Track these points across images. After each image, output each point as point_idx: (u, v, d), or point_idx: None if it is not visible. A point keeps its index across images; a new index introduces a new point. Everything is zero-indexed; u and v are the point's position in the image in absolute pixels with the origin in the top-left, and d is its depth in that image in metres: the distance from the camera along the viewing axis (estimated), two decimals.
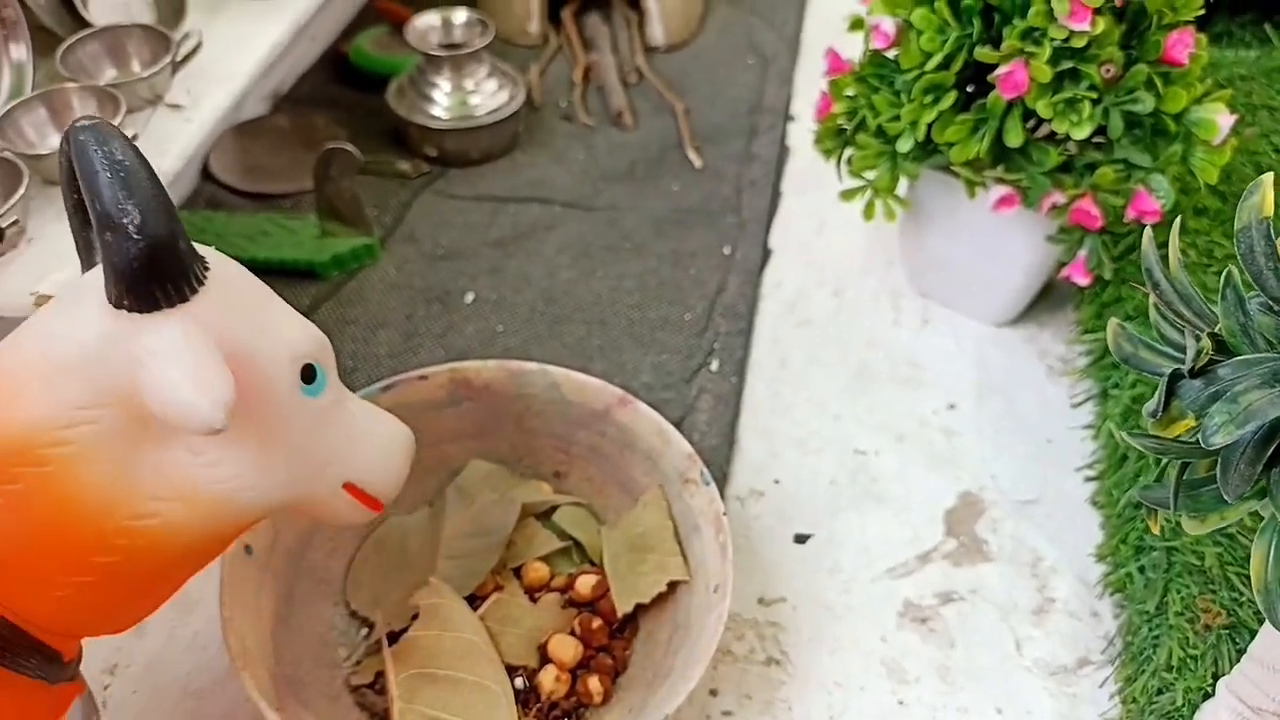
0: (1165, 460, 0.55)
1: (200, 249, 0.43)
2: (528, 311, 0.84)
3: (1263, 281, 0.41)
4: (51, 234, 0.64)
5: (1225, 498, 0.40)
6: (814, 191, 0.95)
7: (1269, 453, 0.39)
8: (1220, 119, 0.66)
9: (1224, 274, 0.41)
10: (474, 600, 0.62)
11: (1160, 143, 0.68)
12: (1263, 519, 0.42)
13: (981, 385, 0.79)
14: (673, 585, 0.62)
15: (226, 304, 0.42)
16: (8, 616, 0.41)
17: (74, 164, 0.39)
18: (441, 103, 0.94)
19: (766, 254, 0.90)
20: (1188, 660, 0.53)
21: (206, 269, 0.42)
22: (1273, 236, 0.41)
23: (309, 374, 0.46)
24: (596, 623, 0.61)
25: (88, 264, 0.44)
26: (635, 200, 0.94)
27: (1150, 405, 0.43)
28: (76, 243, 0.44)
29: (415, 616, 0.61)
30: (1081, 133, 0.64)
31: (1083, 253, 0.71)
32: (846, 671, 0.63)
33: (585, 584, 0.63)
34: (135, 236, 0.38)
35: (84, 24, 0.74)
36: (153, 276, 0.39)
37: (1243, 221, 0.42)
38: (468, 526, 0.65)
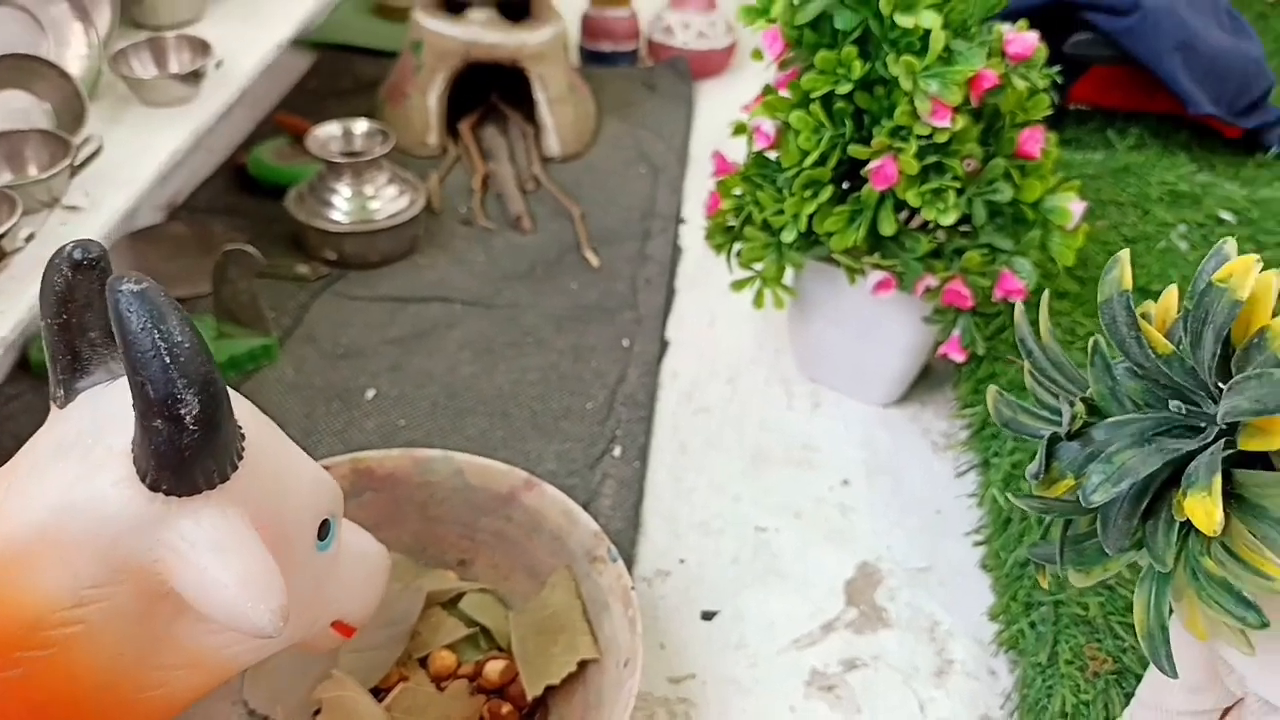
0: (1049, 520, 0.58)
1: (235, 406, 0.39)
2: (430, 406, 0.84)
3: (1127, 349, 0.43)
4: None
5: (1106, 550, 0.42)
6: (705, 287, 1.00)
7: (1143, 507, 0.42)
8: (1072, 206, 0.72)
9: (1091, 343, 0.44)
10: (378, 693, 0.61)
11: (1020, 229, 0.74)
12: (1141, 569, 0.44)
13: (871, 463, 0.83)
14: (583, 665, 0.62)
15: (260, 475, 0.39)
16: None
17: (118, 334, 0.35)
18: (341, 207, 0.96)
19: (664, 346, 0.93)
20: (1080, 707, 0.55)
21: (244, 440, 0.39)
22: (1132, 307, 0.43)
23: (323, 530, 0.45)
24: (506, 708, 0.61)
25: (65, 392, 0.40)
26: (535, 298, 0.96)
27: (1032, 468, 0.45)
28: (53, 368, 0.41)
29: (317, 712, 0.59)
30: (948, 219, 0.69)
31: (957, 332, 0.75)
32: None
33: (494, 669, 0.62)
34: (191, 428, 0.35)
35: None
36: (199, 464, 0.36)
37: (1105, 294, 0.44)
38: (372, 619, 0.64)
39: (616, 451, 0.82)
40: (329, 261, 0.97)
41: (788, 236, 0.74)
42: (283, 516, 0.41)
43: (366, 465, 0.67)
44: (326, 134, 0.98)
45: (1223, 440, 0.39)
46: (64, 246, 0.38)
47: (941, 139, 0.69)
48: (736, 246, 0.80)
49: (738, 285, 0.80)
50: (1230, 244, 0.44)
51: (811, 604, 0.72)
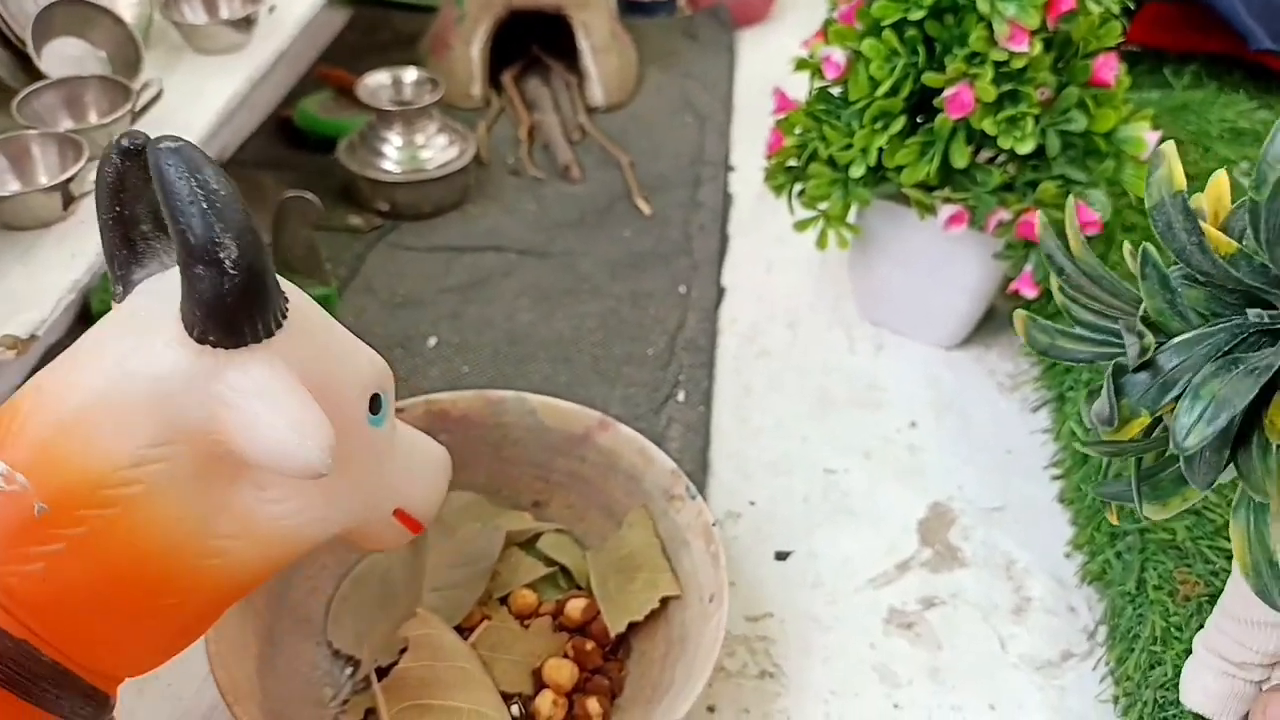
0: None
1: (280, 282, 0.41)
2: (492, 353, 0.84)
3: (1187, 256, 0.39)
4: (15, 276, 0.63)
5: (1195, 487, 0.39)
6: (759, 234, 0.98)
7: (1233, 434, 0.38)
8: (1147, 136, 0.71)
9: (1141, 252, 0.40)
10: (461, 631, 0.61)
11: (1093, 160, 0.72)
12: (1232, 497, 0.40)
13: (937, 404, 0.82)
14: (665, 602, 0.61)
15: (305, 338, 0.41)
16: (67, 665, 0.39)
17: (159, 188, 0.36)
18: (393, 157, 0.95)
19: (721, 292, 0.92)
20: (1172, 630, 0.55)
21: (288, 302, 0.40)
22: (1189, 209, 0.40)
23: (375, 404, 0.45)
24: (589, 645, 0.61)
25: (123, 286, 0.42)
26: (589, 246, 0.96)
27: (1101, 410, 0.41)
28: (110, 264, 0.42)
29: (403, 650, 0.59)
30: (1025, 148, 0.68)
31: (1029, 266, 0.74)
32: (840, 679, 0.63)
33: (575, 608, 0.62)
34: (231, 271, 0.36)
35: (39, 77, 0.73)
36: (243, 312, 0.37)
37: (1154, 198, 0.40)
38: (451, 557, 0.64)
39: (680, 396, 0.81)
40: (381, 212, 0.96)
41: (856, 171, 0.73)
42: (331, 380, 0.41)
43: (440, 407, 0.66)
44: (376, 83, 0.97)
45: None
46: (114, 137, 0.38)
47: (1018, 65, 0.67)
48: (799, 186, 0.79)
49: (801, 225, 0.79)
50: None
51: (885, 543, 0.71)
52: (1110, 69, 0.70)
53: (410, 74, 0.99)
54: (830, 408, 0.81)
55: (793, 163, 0.79)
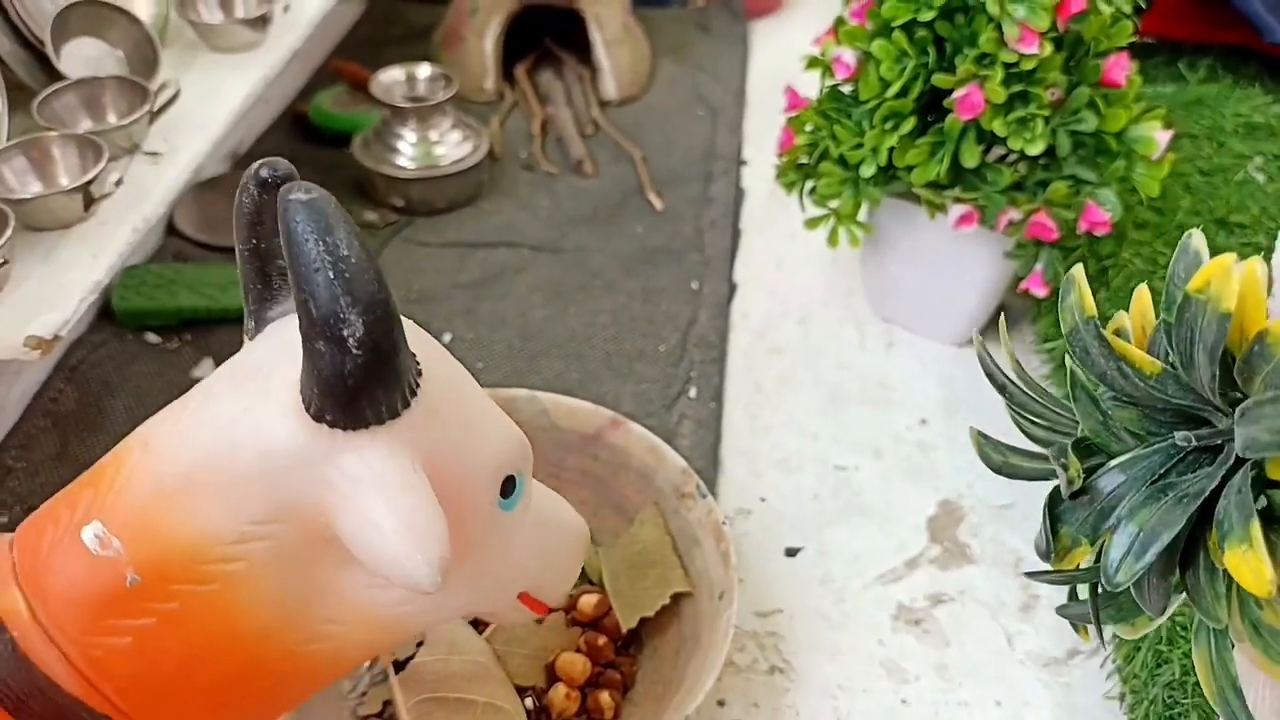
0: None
1: (414, 340, 0.36)
2: (505, 349, 0.85)
3: (1110, 381, 0.38)
4: (37, 276, 0.64)
5: (1148, 614, 0.37)
6: (771, 230, 0.99)
7: (1177, 558, 0.36)
8: (1158, 135, 0.71)
9: (1068, 375, 0.39)
10: (477, 625, 0.62)
11: (1103, 160, 0.72)
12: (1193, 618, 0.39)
13: (948, 402, 0.82)
14: (676, 599, 0.62)
15: (436, 417, 0.36)
16: None
17: (285, 246, 0.33)
18: (407, 153, 0.96)
19: (733, 288, 0.93)
20: (1177, 629, 0.55)
21: (419, 375, 0.36)
22: (1103, 334, 0.38)
23: (508, 486, 0.41)
24: (602, 640, 0.62)
25: (257, 319, 0.39)
26: (602, 242, 0.96)
27: (1038, 542, 0.40)
28: (246, 298, 0.39)
29: (420, 644, 0.60)
30: (1035, 149, 0.68)
31: (1039, 266, 0.75)
32: (848, 675, 0.64)
33: (588, 603, 0.63)
34: (355, 351, 0.32)
35: (57, 78, 0.74)
36: (365, 393, 0.33)
37: (1069, 324, 0.39)
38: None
39: (692, 392, 0.82)
40: (396, 208, 0.97)
41: (866, 171, 0.73)
42: (460, 465, 0.38)
43: None
44: (390, 79, 0.97)
45: (1247, 466, 0.34)
46: (252, 166, 0.36)
47: (1028, 66, 0.67)
48: (809, 184, 0.80)
49: (811, 223, 0.80)
50: (1196, 238, 0.38)
51: (895, 540, 0.72)
52: (1121, 69, 0.70)
53: (424, 70, 0.99)
54: (841, 405, 0.82)
55: (804, 160, 0.80)
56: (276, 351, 0.37)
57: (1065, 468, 0.38)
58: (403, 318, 0.36)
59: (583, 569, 0.65)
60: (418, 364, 0.36)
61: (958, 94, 0.68)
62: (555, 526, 0.46)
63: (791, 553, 0.71)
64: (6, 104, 0.70)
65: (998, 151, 0.74)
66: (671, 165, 1.06)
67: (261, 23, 0.85)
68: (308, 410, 0.34)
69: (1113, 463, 0.37)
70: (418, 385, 0.35)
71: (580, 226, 0.98)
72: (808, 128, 0.78)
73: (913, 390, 0.83)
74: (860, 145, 0.73)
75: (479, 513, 0.39)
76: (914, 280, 0.83)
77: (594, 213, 1.00)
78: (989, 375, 0.44)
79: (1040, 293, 0.75)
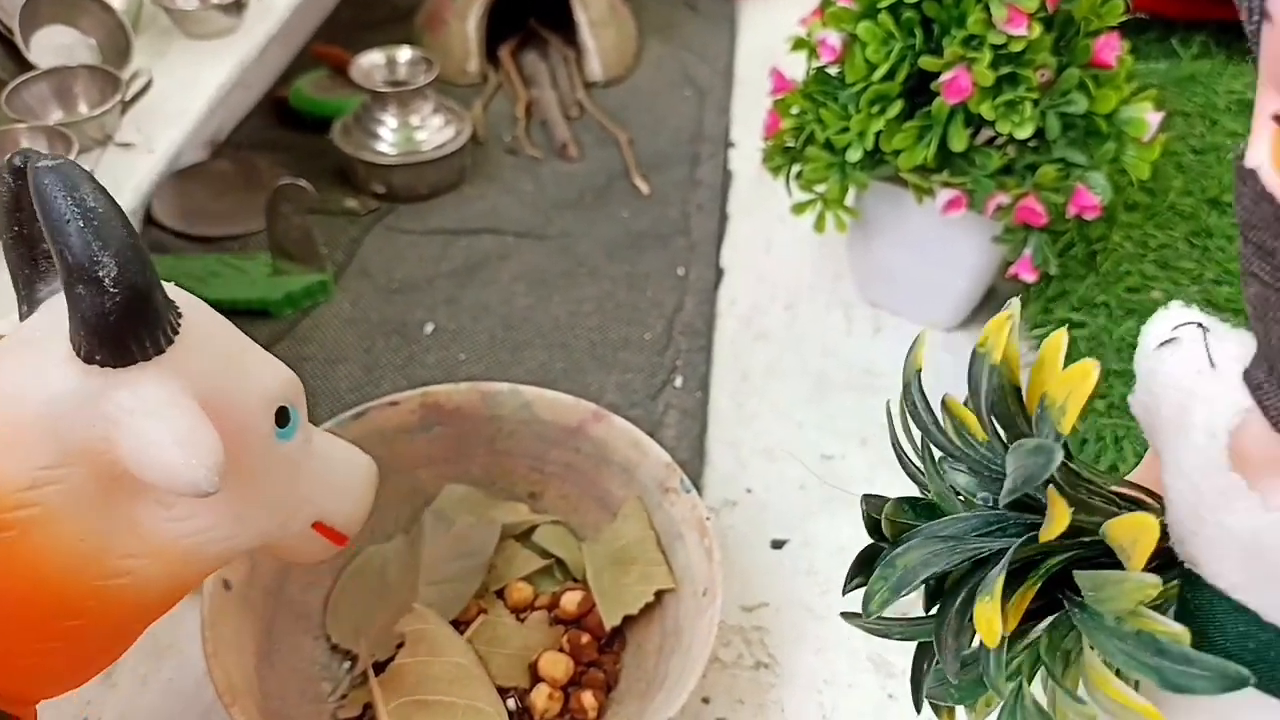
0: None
1: (171, 292, 0.40)
2: (488, 339, 0.84)
3: (934, 438, 0.39)
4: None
5: (950, 679, 0.36)
6: (760, 213, 0.98)
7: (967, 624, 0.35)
8: (1149, 117, 0.70)
9: (919, 438, 0.39)
10: (458, 625, 0.61)
11: (1094, 142, 0.71)
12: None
13: (935, 387, 0.80)
14: (659, 595, 0.62)
15: (200, 352, 0.40)
16: None
17: (38, 208, 0.36)
18: (388, 139, 0.95)
19: (719, 273, 0.92)
20: None
21: (180, 316, 0.40)
22: (923, 392, 0.39)
23: (282, 417, 0.44)
24: (585, 638, 0.61)
25: (28, 302, 0.42)
26: (586, 227, 0.95)
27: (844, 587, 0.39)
28: (15, 284, 0.42)
29: (400, 645, 0.60)
30: (1024, 132, 0.67)
31: (1028, 250, 0.73)
32: (834, 670, 0.63)
33: (570, 600, 0.62)
34: (111, 290, 0.35)
35: (27, 67, 0.73)
36: (128, 330, 0.37)
37: (906, 377, 0.40)
38: (448, 550, 0.64)
39: (678, 381, 0.81)
40: (378, 195, 0.96)
41: (853, 155, 0.72)
42: (229, 396, 0.41)
43: (434, 399, 0.66)
44: (370, 63, 0.96)
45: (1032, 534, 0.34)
46: (31, 161, 0.38)
47: (1016, 48, 0.66)
48: (796, 168, 0.78)
49: (798, 208, 0.78)
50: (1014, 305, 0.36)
51: None
52: (1112, 49, 0.69)
53: (405, 53, 0.98)
54: (828, 392, 0.81)
55: (790, 144, 0.78)
56: (48, 321, 0.40)
57: (877, 514, 0.39)
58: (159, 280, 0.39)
59: (566, 566, 0.65)
60: (177, 309, 0.39)
61: (945, 77, 0.67)
62: (340, 461, 0.49)
63: (777, 545, 0.70)
64: None
65: (986, 135, 0.72)
66: (658, 148, 1.05)
67: (237, 8, 0.83)
68: (79, 354, 0.37)
69: (931, 523, 0.37)
70: (178, 325, 0.39)
71: (565, 212, 0.97)
72: (794, 111, 0.77)
73: (900, 376, 0.82)
74: (847, 129, 0.72)
75: (256, 442, 0.42)
76: (902, 265, 0.82)
77: (579, 197, 0.98)
78: (894, 440, 0.42)
79: (1029, 278, 0.74)
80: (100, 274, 0.35)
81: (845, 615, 0.41)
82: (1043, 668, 0.36)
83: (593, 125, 1.08)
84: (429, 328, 0.84)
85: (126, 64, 0.76)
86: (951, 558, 0.35)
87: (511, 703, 0.58)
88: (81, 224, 0.35)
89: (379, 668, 0.59)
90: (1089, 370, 0.33)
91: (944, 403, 0.39)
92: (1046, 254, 0.73)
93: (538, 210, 0.97)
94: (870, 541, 0.41)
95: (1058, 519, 0.32)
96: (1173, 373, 0.33)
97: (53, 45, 0.76)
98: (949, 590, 0.36)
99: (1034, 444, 0.32)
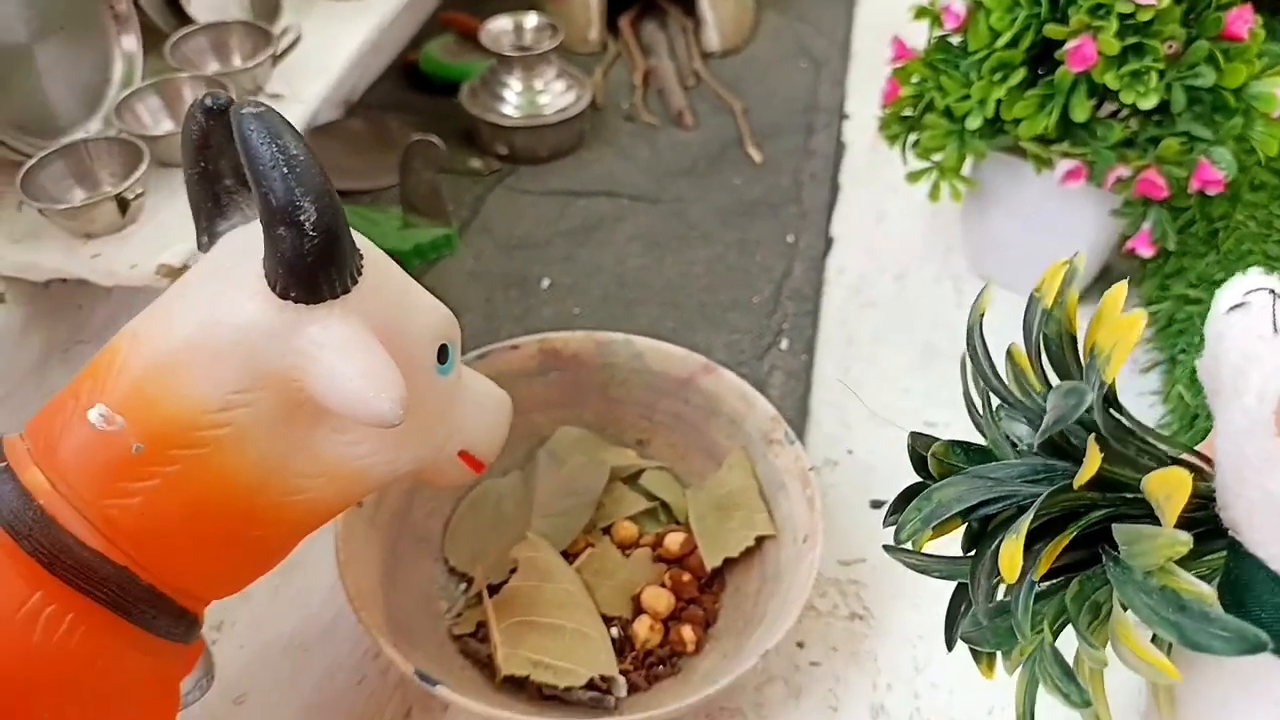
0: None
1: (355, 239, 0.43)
2: (602, 295, 0.87)
3: (998, 391, 0.39)
4: (168, 210, 0.68)
5: (980, 619, 0.37)
6: (872, 184, 0.98)
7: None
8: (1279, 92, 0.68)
9: (964, 381, 0.39)
10: (567, 557, 0.65)
11: (1220, 117, 0.70)
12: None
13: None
14: (760, 541, 0.64)
15: (378, 292, 0.43)
16: (161, 589, 0.42)
17: (242, 152, 0.38)
18: (512, 102, 0.98)
19: (829, 242, 0.93)
20: None
21: (363, 259, 0.42)
22: (983, 339, 0.39)
23: (443, 354, 0.47)
24: (686, 576, 0.64)
25: (209, 237, 0.45)
26: (699, 193, 0.97)
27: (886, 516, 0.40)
28: (196, 217, 0.45)
29: (513, 571, 0.63)
30: (1148, 103, 0.66)
31: (1147, 225, 0.73)
32: (929, 625, 0.65)
33: (674, 541, 0.65)
34: (310, 233, 0.38)
35: (186, 20, 0.78)
36: (321, 270, 0.39)
37: (970, 321, 0.40)
38: (559, 488, 0.68)
39: (784, 344, 0.82)
40: (500, 156, 1.00)
41: (973, 123, 0.72)
42: (403, 333, 0.44)
43: (552, 346, 0.70)
44: (498, 28, 0.99)
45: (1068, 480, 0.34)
46: (197, 98, 0.41)
47: (1144, 17, 0.65)
48: (913, 136, 0.79)
49: (913, 176, 0.79)
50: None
51: None
52: (1244, 22, 0.68)
53: (531, 19, 1.01)
54: (934, 361, 0.82)
55: (908, 112, 0.79)
56: (234, 253, 0.42)
57: (927, 449, 0.39)
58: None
59: (670, 509, 0.68)
60: (360, 253, 0.42)
61: (1070, 45, 0.67)
62: (484, 393, 0.53)
63: (877, 504, 0.72)
64: (141, 46, 0.74)
65: (1108, 107, 0.72)
66: (772, 118, 1.06)
67: None
68: (273, 290, 0.40)
69: (973, 468, 0.38)
70: (361, 268, 0.42)
71: (679, 178, 0.99)
72: (914, 79, 0.77)
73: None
74: (967, 97, 0.72)
75: (421, 376, 0.45)
76: (1015, 237, 0.82)
77: (693, 164, 1.01)
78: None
79: (1146, 253, 0.74)
80: (301, 218, 0.38)
81: (887, 548, 0.41)
82: (1068, 620, 0.36)
83: (708, 95, 1.09)
84: (546, 282, 0.88)
85: (276, 21, 0.81)
86: (985, 495, 0.36)
87: (615, 631, 0.61)
88: (285, 170, 0.37)
89: (492, 590, 0.63)
90: (1136, 320, 0.34)
91: (1008, 352, 0.40)
92: (1166, 229, 0.72)
93: (652, 175, 0.99)
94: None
95: (1090, 463, 0.33)
96: (1238, 336, 0.34)
97: (209, 3, 0.81)
98: (990, 533, 0.37)
99: (1069, 386, 0.33)
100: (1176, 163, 0.70)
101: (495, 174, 0.99)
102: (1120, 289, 0.35)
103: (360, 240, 0.43)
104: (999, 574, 0.36)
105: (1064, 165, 0.72)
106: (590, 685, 0.58)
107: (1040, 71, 0.71)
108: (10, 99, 0.68)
